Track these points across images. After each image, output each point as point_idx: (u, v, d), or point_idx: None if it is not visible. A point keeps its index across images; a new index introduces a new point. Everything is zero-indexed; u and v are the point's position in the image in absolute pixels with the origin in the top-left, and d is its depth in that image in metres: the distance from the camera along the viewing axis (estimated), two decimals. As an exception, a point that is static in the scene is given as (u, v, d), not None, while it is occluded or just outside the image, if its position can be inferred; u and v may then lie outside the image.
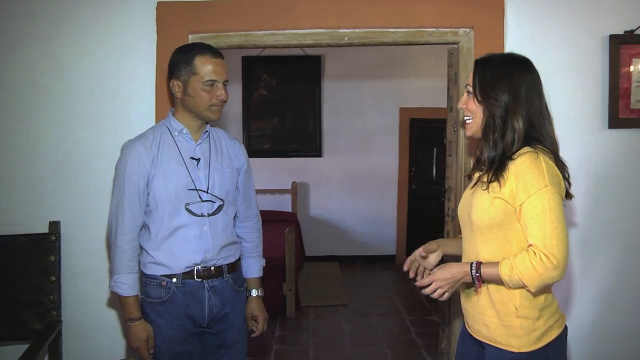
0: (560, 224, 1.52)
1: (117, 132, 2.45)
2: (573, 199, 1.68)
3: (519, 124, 1.59)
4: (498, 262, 1.58)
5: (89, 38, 2.49)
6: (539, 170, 1.53)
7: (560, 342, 1.65)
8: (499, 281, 1.58)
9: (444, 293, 1.65)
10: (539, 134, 1.62)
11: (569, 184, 1.65)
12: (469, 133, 1.73)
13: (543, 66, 2.40)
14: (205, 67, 1.92)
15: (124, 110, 2.51)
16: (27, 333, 2.45)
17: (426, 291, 1.67)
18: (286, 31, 2.42)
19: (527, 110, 1.60)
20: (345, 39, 2.42)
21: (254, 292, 2.23)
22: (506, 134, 1.60)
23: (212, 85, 1.93)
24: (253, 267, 2.24)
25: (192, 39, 2.40)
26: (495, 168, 1.60)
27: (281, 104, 6.55)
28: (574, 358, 2.56)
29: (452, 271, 1.64)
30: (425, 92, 6.23)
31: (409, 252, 1.66)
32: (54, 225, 2.53)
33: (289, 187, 6.51)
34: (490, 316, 1.66)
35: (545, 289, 1.62)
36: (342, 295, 5.32)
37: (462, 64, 2.45)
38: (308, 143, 6.58)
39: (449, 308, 2.74)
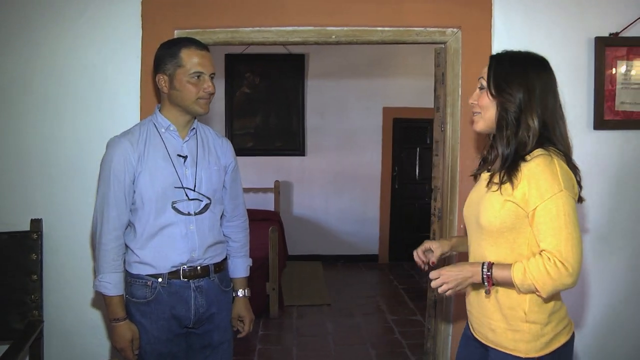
0: (575, 229, 1.49)
1: (101, 128, 2.41)
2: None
3: (534, 122, 1.56)
4: (510, 264, 1.55)
5: (73, 34, 2.45)
6: (553, 174, 1.50)
7: (567, 348, 1.63)
8: (509, 284, 1.55)
9: (448, 289, 1.61)
10: (552, 135, 1.58)
11: (581, 187, 1.62)
12: (477, 128, 1.70)
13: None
14: (192, 59, 1.90)
15: (109, 107, 2.47)
16: (7, 333, 2.40)
17: (433, 284, 1.64)
18: (273, 28, 2.40)
19: (542, 109, 1.57)
20: (333, 37, 2.41)
21: (241, 293, 2.21)
22: (519, 132, 1.57)
23: (198, 77, 1.91)
24: (240, 267, 2.21)
25: (177, 34, 2.37)
26: (508, 168, 1.57)
27: (264, 102, 6.51)
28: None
29: (462, 268, 1.61)
30: (409, 92, 6.25)
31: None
32: (36, 223, 2.48)
33: (272, 186, 6.48)
34: (498, 320, 1.63)
35: (555, 295, 1.59)
36: (325, 295, 5.31)
37: (450, 63, 2.45)
38: (291, 142, 6.55)
39: (434, 308, 2.75)
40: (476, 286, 1.68)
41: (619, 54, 2.49)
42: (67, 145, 2.49)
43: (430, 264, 1.88)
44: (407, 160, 6.60)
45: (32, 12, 2.43)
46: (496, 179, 1.60)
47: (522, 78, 1.59)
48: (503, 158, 1.60)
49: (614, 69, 2.49)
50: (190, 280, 1.98)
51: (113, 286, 1.92)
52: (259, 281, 4.65)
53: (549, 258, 1.49)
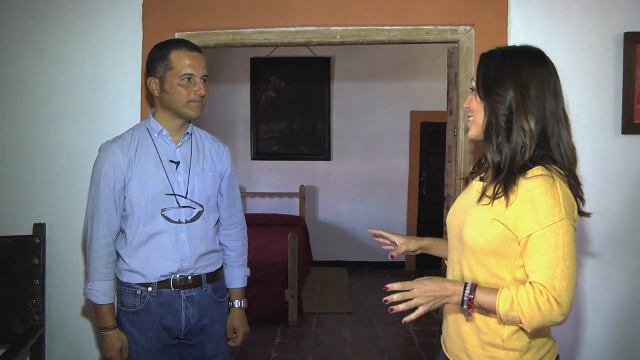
0: (573, 263, 1.33)
1: (103, 132, 2.34)
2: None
3: (530, 125, 1.37)
4: (496, 290, 1.38)
5: (73, 36, 2.41)
6: (554, 200, 1.33)
7: None
8: (491, 311, 1.39)
9: (417, 306, 1.40)
10: (552, 142, 1.40)
11: (583, 202, 1.46)
12: (469, 134, 1.54)
13: (549, 67, 2.30)
14: (182, 61, 1.84)
15: (110, 110, 2.43)
16: (9, 337, 2.37)
17: (400, 307, 1.41)
18: (275, 29, 2.31)
19: (540, 109, 1.39)
20: (338, 37, 2.30)
21: (237, 304, 2.12)
22: (512, 137, 1.39)
23: (189, 79, 1.85)
24: (236, 277, 2.13)
25: (178, 37, 2.30)
26: (505, 181, 1.39)
27: (290, 106, 6.46)
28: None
29: (442, 285, 1.41)
30: (437, 95, 6.05)
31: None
32: (38, 228, 2.46)
33: (297, 191, 6.41)
34: (473, 345, 1.48)
35: None
36: (347, 303, 5.19)
37: (462, 64, 2.31)
38: (317, 146, 6.47)
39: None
40: (453, 306, 1.51)
41: (650, 51, 2.30)
42: (68, 149, 2.46)
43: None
44: (435, 165, 6.42)
45: (32, 16, 2.41)
46: (489, 192, 1.43)
47: (513, 75, 1.41)
48: (494, 167, 1.43)
49: (645, 68, 2.31)
50: (181, 290, 1.91)
51: (102, 294, 1.88)
52: (279, 287, 4.58)
53: (541, 292, 1.32)
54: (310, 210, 6.51)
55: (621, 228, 2.37)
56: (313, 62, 6.28)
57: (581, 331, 2.40)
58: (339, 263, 6.47)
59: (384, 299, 1.41)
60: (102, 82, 2.41)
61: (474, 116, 1.50)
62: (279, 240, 5.15)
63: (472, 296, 1.39)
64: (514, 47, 1.53)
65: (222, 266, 2.08)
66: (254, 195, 6.43)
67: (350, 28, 2.28)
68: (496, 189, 1.41)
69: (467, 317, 1.46)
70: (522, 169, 1.38)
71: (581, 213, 1.46)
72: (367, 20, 2.27)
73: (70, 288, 2.49)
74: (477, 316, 1.46)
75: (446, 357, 1.60)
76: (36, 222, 2.47)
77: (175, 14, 2.33)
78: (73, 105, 2.44)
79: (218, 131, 4.59)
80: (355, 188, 6.45)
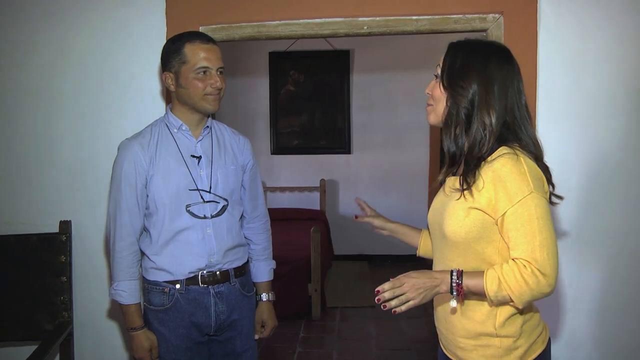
0: (550, 233, 1.35)
1: (128, 128, 2.31)
2: (609, 203, 1.47)
3: (491, 119, 1.40)
4: (482, 272, 1.39)
5: (97, 33, 2.41)
6: (521, 175, 1.35)
7: (544, 358, 1.49)
8: (481, 294, 1.39)
9: (408, 301, 1.38)
10: (515, 136, 1.43)
11: (553, 186, 1.48)
12: (429, 121, 1.55)
13: (582, 56, 2.25)
14: (196, 54, 1.81)
15: (134, 107, 2.42)
16: (39, 334, 2.40)
17: (392, 303, 1.38)
18: (301, 21, 2.28)
19: (502, 105, 1.42)
20: (365, 27, 2.26)
21: (264, 297, 2.11)
22: (471, 130, 1.42)
23: (204, 73, 1.82)
24: (262, 271, 2.11)
25: (203, 31, 2.28)
26: (468, 171, 1.41)
27: (309, 99, 6.41)
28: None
29: (430, 276, 1.40)
30: (459, 87, 6.01)
31: None
32: (65, 225, 2.47)
33: (318, 185, 6.38)
34: (464, 337, 1.49)
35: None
36: (370, 296, 5.14)
37: (491, 53, 2.26)
38: (337, 140, 6.42)
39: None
40: (441, 301, 1.52)
41: (686, 37, 2.22)
42: (93, 146, 2.46)
43: (354, 216, 1.84)
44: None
45: (55, 12, 2.41)
46: (456, 184, 1.44)
47: (479, 70, 1.43)
48: (450, 156, 1.46)
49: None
50: (210, 286, 1.90)
51: (129, 294, 1.86)
52: (302, 282, 4.57)
53: (525, 266, 1.33)
54: (331, 204, 6.48)
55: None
56: (332, 55, 6.22)
57: (563, 319, 2.35)
58: (361, 257, 6.42)
59: (376, 298, 1.40)
60: (127, 78, 2.41)
61: (435, 104, 1.52)
62: (300, 235, 5.13)
63: (459, 282, 1.39)
64: (482, 41, 1.54)
65: (247, 260, 2.07)
66: (274, 190, 6.42)
67: (378, 18, 2.24)
68: (461, 181, 1.42)
69: (458, 304, 1.43)
70: (484, 158, 1.40)
71: (554, 197, 1.50)
72: (394, 10, 2.23)
73: (97, 285, 2.51)
74: (467, 307, 1.46)
75: (444, 354, 1.60)
76: (62, 220, 2.47)
77: (199, 8, 2.31)
78: (97, 102, 2.44)
79: (238, 126, 4.58)
80: (376, 181, 6.39)
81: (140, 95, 2.41)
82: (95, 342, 2.52)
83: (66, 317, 2.43)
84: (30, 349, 2.36)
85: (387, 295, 1.39)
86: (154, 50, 2.35)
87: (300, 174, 6.35)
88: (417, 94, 6.15)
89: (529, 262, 1.33)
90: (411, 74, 6.19)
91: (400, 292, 1.38)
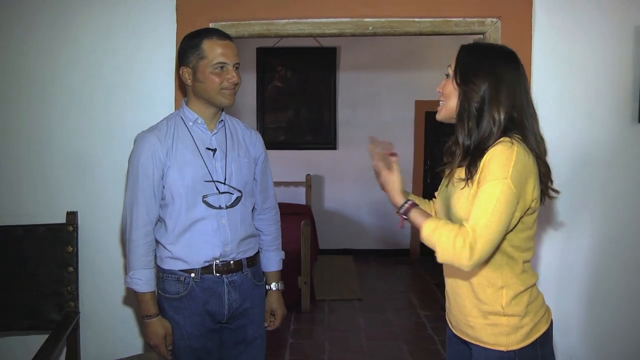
0: (500, 219, 1.44)
1: (136, 122, 2.36)
2: (594, 195, 1.59)
3: (500, 116, 1.52)
4: (428, 215, 1.57)
5: (108, 29, 2.45)
6: (506, 161, 1.46)
7: (547, 337, 1.62)
8: (417, 228, 1.57)
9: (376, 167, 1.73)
10: (520, 131, 1.54)
11: (552, 182, 1.60)
12: (439, 117, 1.69)
13: (571, 57, 2.39)
14: (214, 50, 1.87)
15: (144, 101, 2.47)
16: (46, 323, 2.43)
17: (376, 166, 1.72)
18: (309, 20, 2.36)
19: (510, 103, 1.53)
20: (370, 28, 2.35)
21: (274, 286, 2.19)
22: (482, 123, 1.53)
23: (222, 68, 1.88)
24: (272, 261, 2.19)
25: (212, 27, 2.34)
26: (472, 162, 1.53)
27: (296, 95, 6.50)
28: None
29: (392, 193, 1.66)
30: (442, 85, 6.15)
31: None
32: (71, 216, 2.50)
33: (303, 180, 6.47)
34: (475, 317, 1.61)
35: (528, 282, 1.59)
36: (356, 289, 5.28)
37: (489, 54, 2.37)
38: (323, 135, 6.53)
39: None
40: (452, 285, 1.68)
41: (668, 43, 2.37)
42: (102, 139, 2.50)
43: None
44: (439, 154, 6.49)
45: (67, 8, 2.44)
46: (462, 175, 1.57)
47: (489, 69, 1.55)
48: (464, 148, 1.57)
49: (662, 59, 2.38)
50: (224, 275, 1.96)
51: (144, 283, 1.91)
52: (291, 275, 4.65)
53: (462, 234, 1.45)
54: (317, 199, 6.58)
55: (637, 212, 2.47)
56: (319, 52, 6.32)
57: (554, 305, 2.45)
58: (345, 251, 6.55)
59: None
60: (137, 73, 2.45)
61: (446, 100, 1.64)
62: (287, 229, 5.15)
63: (405, 216, 1.61)
64: (492, 44, 1.69)
65: (258, 251, 2.14)
66: (261, 184, 6.48)
67: (383, 20, 2.34)
68: (467, 171, 1.54)
69: (395, 227, 1.71)
70: (486, 150, 1.52)
71: (552, 190, 1.62)
72: (398, 12, 2.33)
73: (103, 275, 2.55)
74: (477, 289, 1.59)
75: (453, 333, 1.73)
76: (69, 211, 2.51)
77: (209, 5, 2.36)
78: (107, 97, 2.48)
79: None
80: (361, 177, 6.48)
81: (149, 91, 2.46)
82: (100, 332, 2.56)
83: (73, 307, 2.47)
84: (37, 339, 2.42)
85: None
86: (164, 46, 2.42)
87: (286, 169, 6.42)
88: (401, 92, 6.34)
89: (468, 232, 1.44)
90: (395, 73, 6.34)
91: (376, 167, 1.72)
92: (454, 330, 1.73)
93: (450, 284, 1.69)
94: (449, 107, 1.63)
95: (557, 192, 1.63)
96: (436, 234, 1.49)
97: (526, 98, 1.58)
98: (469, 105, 1.55)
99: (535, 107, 1.60)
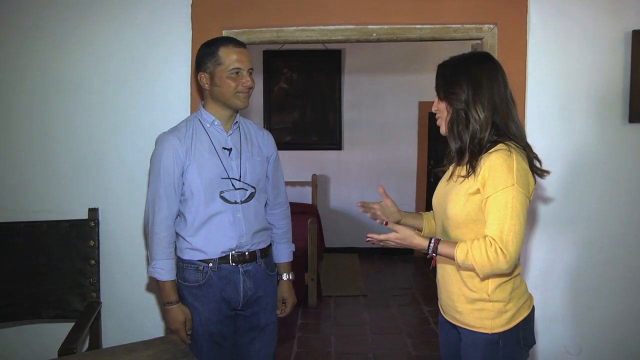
0: (519, 222, 1.60)
1: (153, 124, 2.55)
2: (587, 190, 1.82)
3: (480, 114, 1.67)
4: (456, 243, 1.68)
5: (127, 35, 2.60)
6: (509, 169, 1.61)
7: (529, 321, 1.77)
8: (451, 259, 1.69)
9: (387, 243, 1.75)
10: (504, 121, 1.69)
11: (540, 162, 1.73)
12: (442, 132, 1.83)
13: (565, 61, 2.52)
14: (230, 57, 2.03)
15: (160, 103, 2.62)
16: (70, 313, 2.59)
17: (374, 237, 1.74)
18: (316, 27, 2.51)
19: (490, 98, 1.68)
20: (374, 34, 2.50)
21: (285, 276, 2.34)
22: (469, 125, 1.68)
23: (237, 73, 2.04)
24: (283, 252, 2.34)
25: (225, 34, 2.49)
26: (470, 158, 1.68)
27: (302, 97, 6.65)
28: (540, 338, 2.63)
29: (414, 242, 1.73)
30: (445, 87, 6.26)
31: None
32: (93, 212, 2.66)
33: (309, 180, 6.61)
34: (463, 303, 1.76)
35: (514, 272, 1.72)
36: (361, 286, 5.42)
37: (486, 59, 2.51)
38: (328, 136, 6.67)
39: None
40: (443, 274, 1.83)
41: (656, 47, 2.50)
42: (120, 140, 2.65)
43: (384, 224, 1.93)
44: (442, 154, 6.61)
45: (89, 16, 2.59)
46: (463, 172, 1.71)
47: (464, 75, 1.71)
48: (457, 151, 1.73)
49: (651, 63, 2.51)
50: (239, 265, 2.11)
51: (166, 272, 2.06)
52: (298, 272, 4.75)
53: (491, 243, 1.60)
54: (322, 199, 6.72)
55: (626, 207, 2.60)
56: (324, 54, 6.46)
57: (540, 295, 2.59)
58: (351, 249, 6.69)
59: (368, 236, 1.76)
60: (153, 77, 2.60)
61: (441, 116, 1.80)
62: (294, 227, 5.21)
63: (435, 254, 1.70)
64: (463, 54, 1.81)
65: (270, 243, 2.29)
66: (267, 184, 6.62)
67: (386, 27, 2.49)
68: (467, 169, 1.70)
69: (431, 264, 1.85)
70: (486, 148, 1.67)
71: (540, 171, 1.74)
72: (400, 19, 2.48)
73: (123, 267, 2.70)
74: (466, 278, 1.74)
75: (444, 319, 1.89)
76: (91, 207, 2.67)
77: (223, 13, 2.51)
78: (126, 100, 2.63)
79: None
80: (366, 177, 6.65)
81: (166, 94, 2.61)
82: (120, 321, 2.71)
83: (95, 297, 2.62)
84: (63, 327, 2.58)
85: (376, 239, 1.74)
86: (180, 52, 2.57)
87: (292, 169, 6.55)
88: (405, 93, 6.47)
89: (495, 240, 1.59)
90: (399, 75, 6.47)
91: (385, 239, 1.74)
92: (445, 316, 1.88)
93: (441, 273, 1.85)
94: (445, 121, 1.78)
95: (547, 172, 1.77)
96: (469, 257, 1.62)
97: (505, 90, 1.73)
98: (456, 112, 1.71)
99: (512, 96, 1.75)
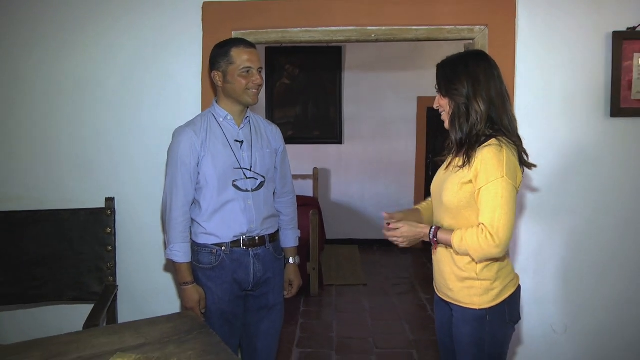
0: (510, 210, 1.76)
1: (166, 119, 2.73)
2: (571, 180, 2.02)
3: (481, 106, 1.82)
4: (452, 230, 1.86)
5: (141, 36, 2.77)
6: (499, 162, 1.77)
7: (514, 298, 1.94)
8: (449, 245, 1.87)
9: (403, 242, 1.96)
10: (499, 114, 1.84)
11: (527, 155, 1.89)
12: (446, 126, 1.98)
13: (551, 60, 2.69)
14: (241, 57, 2.20)
15: (173, 100, 2.79)
16: (89, 295, 2.77)
17: (389, 237, 1.98)
18: (319, 28, 2.68)
19: (487, 92, 1.83)
20: (373, 35, 2.68)
21: (292, 260, 2.53)
22: (470, 117, 1.84)
23: (247, 71, 2.21)
24: (290, 238, 2.52)
25: (234, 35, 2.66)
26: (467, 150, 1.84)
27: (303, 92, 6.81)
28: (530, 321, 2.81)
29: (416, 231, 1.93)
30: (443, 82, 6.42)
31: None
32: (110, 202, 2.83)
33: (311, 173, 6.78)
34: (454, 281, 1.93)
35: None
36: (361, 276, 5.60)
37: (478, 58, 2.69)
38: (329, 130, 6.84)
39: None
40: (437, 256, 2.00)
41: (636, 46, 2.66)
42: (135, 134, 2.82)
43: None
44: (440, 148, 6.76)
45: (105, 16, 2.76)
46: (459, 162, 1.88)
47: (463, 72, 1.87)
48: (458, 143, 1.89)
49: (631, 61, 2.68)
50: (250, 249, 2.28)
51: (182, 254, 2.24)
52: (300, 262, 4.94)
53: (482, 230, 1.78)
54: (324, 191, 6.89)
55: (605, 197, 2.77)
56: (325, 51, 6.62)
57: (532, 280, 2.80)
58: (351, 241, 6.88)
59: (386, 222, 2.00)
60: (167, 75, 2.77)
61: (444, 110, 1.97)
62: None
63: (435, 238, 1.90)
64: (460, 53, 1.98)
65: (278, 229, 2.47)
66: (270, 177, 6.78)
67: (384, 28, 2.66)
68: (464, 159, 1.86)
69: (434, 251, 2.02)
70: (481, 142, 1.83)
71: (527, 164, 1.90)
72: (398, 21, 2.65)
73: (138, 253, 2.88)
74: (456, 259, 1.91)
75: (438, 298, 2.08)
76: (107, 197, 2.84)
77: (232, 15, 2.68)
78: (140, 97, 2.80)
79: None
80: (366, 170, 6.82)
81: (178, 90, 2.78)
82: (135, 303, 2.89)
83: (112, 281, 2.80)
84: (81, 307, 2.79)
85: (388, 235, 1.98)
86: (192, 52, 2.74)
87: (294, 163, 6.55)
88: (404, 88, 6.64)
89: (487, 227, 1.76)
90: (398, 71, 6.64)
91: (393, 235, 1.95)
92: (439, 294, 2.07)
93: (436, 255, 2.03)
94: (448, 115, 1.95)
95: (534, 165, 1.94)
96: (464, 242, 1.80)
97: (500, 84, 1.89)
98: (458, 108, 1.88)
99: (507, 91, 1.91)
